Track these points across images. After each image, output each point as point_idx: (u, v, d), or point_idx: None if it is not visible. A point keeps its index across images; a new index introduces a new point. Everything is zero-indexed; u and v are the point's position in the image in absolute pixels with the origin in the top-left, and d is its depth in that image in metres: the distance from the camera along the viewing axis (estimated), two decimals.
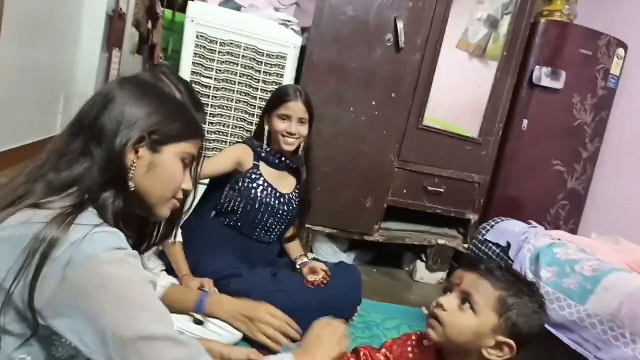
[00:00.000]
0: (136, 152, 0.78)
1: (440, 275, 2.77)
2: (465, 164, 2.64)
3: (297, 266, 1.87)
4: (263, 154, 1.82)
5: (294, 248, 1.98)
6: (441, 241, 2.70)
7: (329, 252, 2.58)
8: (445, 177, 2.62)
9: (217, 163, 1.76)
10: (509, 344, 0.90)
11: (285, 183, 1.89)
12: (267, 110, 1.84)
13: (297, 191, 1.91)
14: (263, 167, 1.83)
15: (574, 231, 2.77)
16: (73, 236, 0.65)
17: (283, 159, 1.84)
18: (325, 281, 1.80)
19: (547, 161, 2.73)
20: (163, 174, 0.80)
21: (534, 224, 1.77)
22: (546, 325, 1.42)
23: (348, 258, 2.64)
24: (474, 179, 2.67)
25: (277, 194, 1.84)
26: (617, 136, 2.81)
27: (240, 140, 2.18)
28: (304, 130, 1.80)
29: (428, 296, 2.52)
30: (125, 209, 0.77)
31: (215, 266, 1.70)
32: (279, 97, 1.81)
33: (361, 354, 1.12)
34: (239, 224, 1.81)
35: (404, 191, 2.57)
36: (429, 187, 2.60)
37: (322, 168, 2.32)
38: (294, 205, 1.90)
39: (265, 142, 1.82)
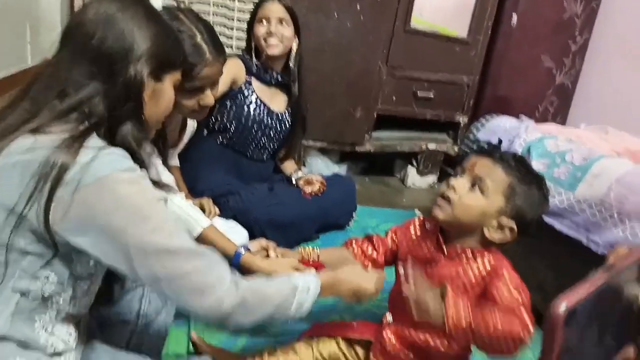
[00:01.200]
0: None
1: (432, 179, 2.83)
2: (455, 66, 2.59)
3: (294, 180, 1.90)
4: (254, 69, 1.76)
5: (289, 165, 1.99)
6: (432, 146, 2.73)
7: (322, 166, 2.61)
8: (435, 81, 2.59)
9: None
10: (511, 226, 0.95)
11: (277, 100, 1.85)
12: (250, 23, 1.76)
13: (288, 109, 1.88)
14: (255, 83, 1.78)
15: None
16: (83, 159, 0.66)
17: (274, 74, 1.79)
18: (322, 191, 1.83)
19: (537, 57, 2.69)
20: (164, 101, 0.82)
21: (525, 119, 1.78)
22: None
23: (340, 170, 2.67)
24: (464, 81, 2.64)
25: (269, 112, 1.80)
26: (607, 27, 2.75)
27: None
28: (286, 32, 1.72)
29: (420, 200, 2.60)
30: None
31: (212, 184, 1.71)
32: (257, 4, 1.74)
33: (374, 239, 1.18)
34: (232, 141, 1.80)
35: (394, 98, 2.55)
36: (418, 93, 2.57)
37: (309, 80, 2.26)
38: (287, 124, 1.87)
39: (254, 56, 1.75)
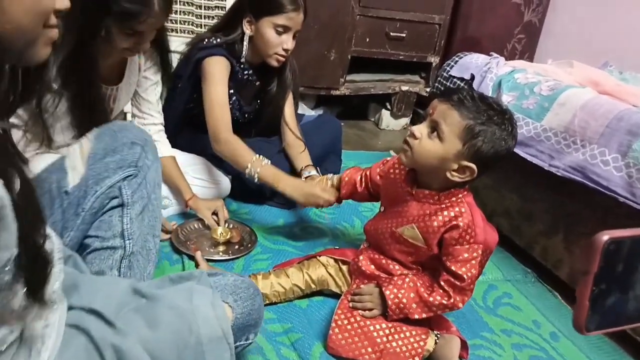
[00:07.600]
0: None
1: (405, 121, 2.90)
2: (426, 5, 2.60)
3: (303, 178, 1.66)
4: (237, 69, 1.58)
5: (300, 158, 1.73)
6: (404, 88, 2.77)
7: (299, 112, 2.62)
8: (407, 21, 2.59)
9: (221, 87, 1.50)
10: (470, 167, 1.00)
11: (248, 94, 1.73)
12: (255, 12, 1.50)
13: (259, 100, 1.75)
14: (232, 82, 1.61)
15: None
16: None
17: (253, 76, 1.64)
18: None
19: None
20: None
21: (496, 55, 1.83)
22: None
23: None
24: (435, 20, 2.66)
25: (242, 109, 1.69)
26: None
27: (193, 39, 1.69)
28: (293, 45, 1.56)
29: (394, 142, 2.67)
30: None
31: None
32: (281, 4, 1.47)
33: (363, 173, 1.28)
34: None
35: (367, 40, 2.55)
36: (391, 33, 2.58)
37: None
38: (254, 115, 1.75)
39: (243, 50, 1.54)
